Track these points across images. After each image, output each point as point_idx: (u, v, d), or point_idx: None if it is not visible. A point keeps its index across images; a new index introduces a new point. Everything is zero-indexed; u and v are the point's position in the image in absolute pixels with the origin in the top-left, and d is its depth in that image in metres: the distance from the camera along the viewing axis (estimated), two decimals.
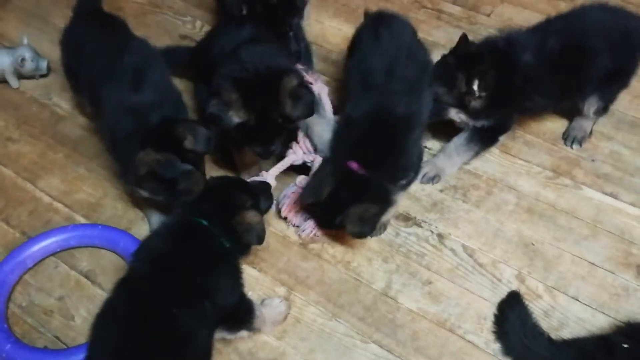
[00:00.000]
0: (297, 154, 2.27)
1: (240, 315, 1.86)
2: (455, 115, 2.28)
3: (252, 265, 2.13)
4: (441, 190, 2.35)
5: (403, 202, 2.27)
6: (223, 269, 1.78)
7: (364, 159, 2.00)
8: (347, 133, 2.11)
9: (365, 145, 2.03)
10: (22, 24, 3.10)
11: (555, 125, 2.56)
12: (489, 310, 2.01)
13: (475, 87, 2.16)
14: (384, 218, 2.14)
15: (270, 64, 2.06)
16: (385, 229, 2.22)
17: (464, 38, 2.21)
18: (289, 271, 2.12)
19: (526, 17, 2.96)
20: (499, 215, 2.27)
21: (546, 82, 2.22)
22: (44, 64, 2.74)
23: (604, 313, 2.00)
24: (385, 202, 2.04)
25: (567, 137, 2.50)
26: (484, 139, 2.34)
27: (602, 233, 2.21)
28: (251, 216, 1.82)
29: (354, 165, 1.99)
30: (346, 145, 2.07)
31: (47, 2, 3.24)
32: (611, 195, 2.32)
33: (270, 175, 2.23)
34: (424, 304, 2.03)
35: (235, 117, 2.00)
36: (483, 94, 2.17)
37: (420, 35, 2.42)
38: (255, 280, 2.10)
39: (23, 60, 2.68)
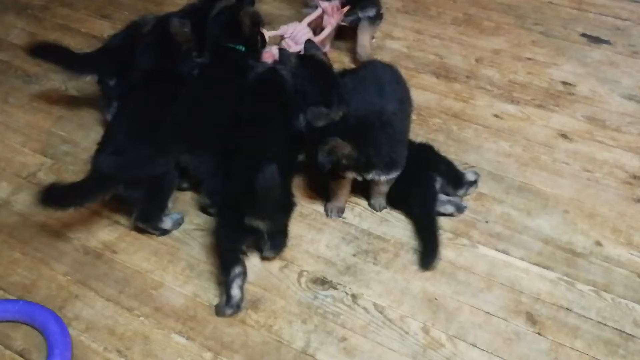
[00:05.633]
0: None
1: None
2: None
3: (180, 333, 2.30)
4: (354, 255, 2.60)
5: (320, 267, 2.51)
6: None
7: None
8: None
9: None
10: None
11: None
12: None
13: None
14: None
15: None
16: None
17: None
18: (215, 337, 2.29)
19: (427, 98, 3.39)
20: (406, 275, 2.53)
21: None
22: None
23: (498, 356, 2.24)
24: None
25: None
26: None
27: (495, 285, 2.49)
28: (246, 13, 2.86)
29: None
30: None
31: None
32: (503, 251, 2.63)
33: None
34: (339, 359, 2.23)
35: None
36: None
37: None
38: (183, 347, 2.26)
39: None
